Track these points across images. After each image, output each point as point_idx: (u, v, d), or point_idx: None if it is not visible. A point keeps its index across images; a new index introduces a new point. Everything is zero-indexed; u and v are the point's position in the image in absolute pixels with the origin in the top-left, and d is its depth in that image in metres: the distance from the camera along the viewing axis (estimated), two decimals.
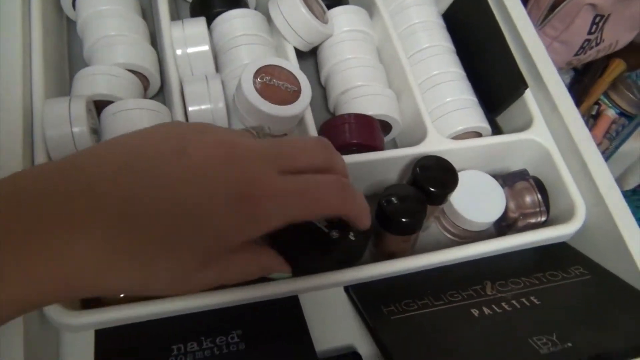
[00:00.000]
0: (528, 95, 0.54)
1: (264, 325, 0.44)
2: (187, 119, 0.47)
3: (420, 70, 0.55)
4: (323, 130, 0.51)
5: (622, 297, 0.45)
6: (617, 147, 1.19)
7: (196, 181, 0.28)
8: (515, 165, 0.54)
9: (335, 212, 0.33)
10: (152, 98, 0.54)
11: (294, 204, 0.30)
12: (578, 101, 1.19)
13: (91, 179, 0.27)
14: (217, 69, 0.53)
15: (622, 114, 1.24)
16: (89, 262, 0.26)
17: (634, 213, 1.39)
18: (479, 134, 0.54)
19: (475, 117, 0.53)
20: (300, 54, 0.56)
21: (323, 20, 0.54)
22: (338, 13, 0.56)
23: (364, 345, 0.46)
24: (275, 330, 0.44)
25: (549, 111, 0.53)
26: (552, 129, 0.52)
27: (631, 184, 1.39)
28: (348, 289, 0.47)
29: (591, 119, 1.22)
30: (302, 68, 0.58)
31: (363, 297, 0.46)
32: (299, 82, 0.47)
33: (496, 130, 0.56)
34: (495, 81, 0.55)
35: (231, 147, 0.30)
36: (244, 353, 0.42)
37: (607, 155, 1.19)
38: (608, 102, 1.25)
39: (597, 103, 1.23)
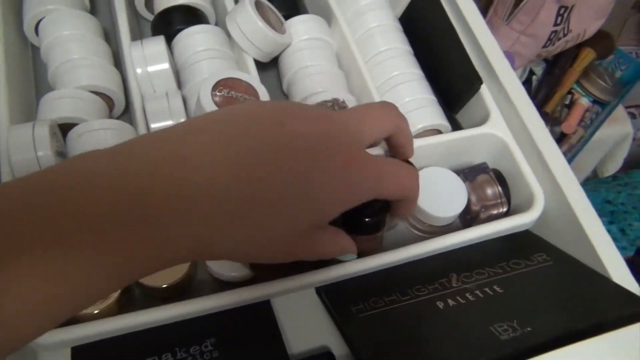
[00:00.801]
0: (484, 90, 0.55)
1: (237, 331, 0.46)
2: None
3: (379, 72, 0.57)
4: None
5: (582, 280, 0.47)
6: (592, 135, 1.21)
7: (301, 150, 0.29)
8: (475, 160, 0.55)
9: (409, 196, 0.37)
10: (118, 118, 0.55)
11: (384, 181, 0.33)
12: (551, 91, 1.21)
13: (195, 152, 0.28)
14: (180, 84, 0.54)
15: (596, 101, 1.26)
16: (207, 228, 0.27)
17: (615, 199, 1.39)
18: (439, 132, 0.55)
19: (434, 115, 0.54)
20: (262, 64, 0.58)
21: (281, 30, 0.55)
22: (296, 22, 0.58)
23: (338, 346, 0.48)
24: (248, 336, 0.45)
25: (505, 104, 0.54)
26: (508, 121, 0.54)
27: (610, 170, 1.41)
28: (319, 290, 0.49)
29: (565, 108, 1.24)
30: (265, 78, 0.59)
31: (333, 297, 0.48)
32: (257, 93, 0.48)
33: (456, 127, 0.58)
34: (452, 79, 0.57)
35: (328, 120, 0.32)
36: None
37: (582, 143, 1.21)
38: (581, 91, 1.27)
39: (570, 92, 1.26)
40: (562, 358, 0.38)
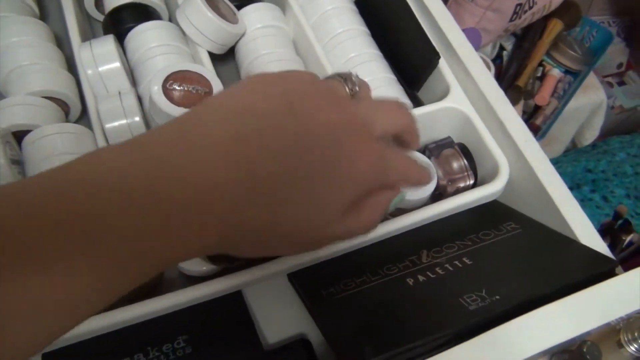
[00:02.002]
0: (442, 64, 0.55)
1: (209, 325, 0.45)
2: (105, 138, 0.47)
3: (336, 55, 0.56)
4: None
5: (550, 244, 0.47)
6: (565, 105, 1.22)
7: (315, 144, 0.29)
8: (439, 135, 0.55)
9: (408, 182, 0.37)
10: (76, 121, 0.54)
11: (390, 173, 0.34)
12: (522, 65, 1.21)
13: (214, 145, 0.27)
14: (135, 83, 0.53)
15: (567, 71, 1.27)
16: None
17: (595, 167, 1.39)
18: None
19: (394, 94, 0.54)
20: (222, 56, 0.57)
21: (233, 20, 0.55)
22: (249, 11, 0.57)
23: (315, 332, 0.47)
24: (221, 329, 0.45)
25: (464, 77, 0.54)
26: (468, 94, 0.53)
27: (589, 139, 1.42)
28: (291, 276, 0.48)
29: (537, 80, 1.24)
30: (224, 70, 0.59)
31: (304, 283, 0.47)
32: (210, 84, 0.48)
33: (418, 105, 0.57)
34: (410, 57, 0.57)
35: (341, 109, 0.31)
36: (190, 356, 0.43)
37: (557, 114, 1.21)
38: (552, 62, 1.27)
39: (541, 64, 1.26)
40: (528, 322, 0.38)
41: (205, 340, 0.44)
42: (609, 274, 0.42)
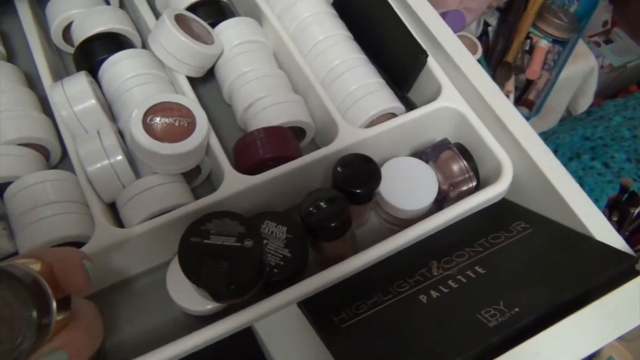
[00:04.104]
0: (431, 62, 0.53)
1: None
2: (89, 180, 0.45)
3: (320, 64, 0.54)
4: (237, 150, 0.50)
5: (565, 244, 0.45)
6: (557, 75, 1.19)
7: None
8: (437, 137, 0.53)
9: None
10: (57, 164, 0.52)
11: None
12: (509, 40, 1.18)
13: None
14: (115, 117, 0.51)
15: (555, 41, 1.24)
16: None
17: (593, 134, 1.37)
18: (394, 115, 0.52)
19: (384, 99, 0.52)
20: (204, 77, 0.55)
21: (208, 40, 0.52)
22: (224, 28, 0.54)
23: None
24: None
25: (454, 74, 0.52)
26: (461, 90, 0.51)
27: (583, 106, 1.40)
28: (300, 304, 0.46)
29: (526, 54, 1.22)
30: (207, 91, 0.56)
31: (313, 311, 0.45)
32: (192, 113, 0.45)
33: (411, 107, 0.55)
34: (397, 58, 0.54)
35: None
36: None
37: (550, 86, 1.19)
38: (539, 33, 1.25)
39: (528, 37, 1.23)
40: (556, 335, 0.36)
41: None
42: (630, 271, 0.40)
